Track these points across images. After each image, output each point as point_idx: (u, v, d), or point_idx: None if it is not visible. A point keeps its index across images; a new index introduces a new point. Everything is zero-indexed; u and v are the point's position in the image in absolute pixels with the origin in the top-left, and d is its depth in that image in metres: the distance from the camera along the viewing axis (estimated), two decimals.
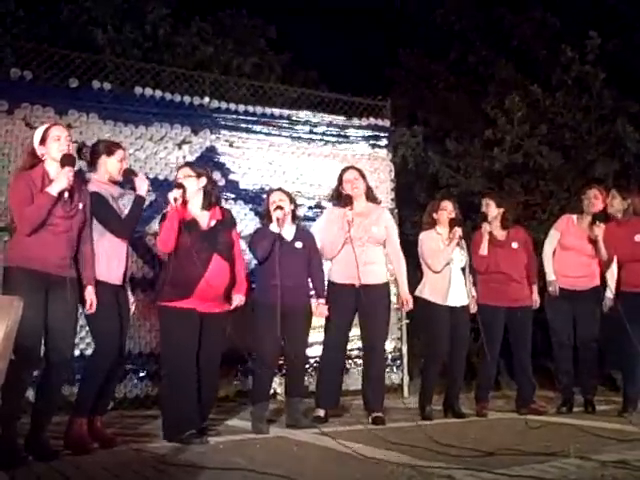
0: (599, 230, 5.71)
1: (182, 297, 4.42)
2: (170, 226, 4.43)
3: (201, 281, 4.43)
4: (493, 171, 9.21)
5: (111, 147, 4.47)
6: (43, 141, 3.98)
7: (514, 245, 5.87)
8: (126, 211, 4.39)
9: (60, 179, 3.88)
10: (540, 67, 9.77)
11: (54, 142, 3.97)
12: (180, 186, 4.50)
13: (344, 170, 5.57)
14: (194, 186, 4.59)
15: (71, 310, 3.98)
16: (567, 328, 5.87)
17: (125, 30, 8.75)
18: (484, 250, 5.73)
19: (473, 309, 5.64)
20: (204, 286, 4.44)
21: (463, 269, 5.65)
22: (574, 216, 6.04)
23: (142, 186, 4.42)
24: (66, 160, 3.93)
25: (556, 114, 9.16)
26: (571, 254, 5.92)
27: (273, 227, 4.95)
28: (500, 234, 5.86)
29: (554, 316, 5.92)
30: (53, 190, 3.85)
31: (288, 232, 5.07)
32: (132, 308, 4.51)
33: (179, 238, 4.46)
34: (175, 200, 4.40)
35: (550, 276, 5.94)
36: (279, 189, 5.35)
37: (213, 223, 4.63)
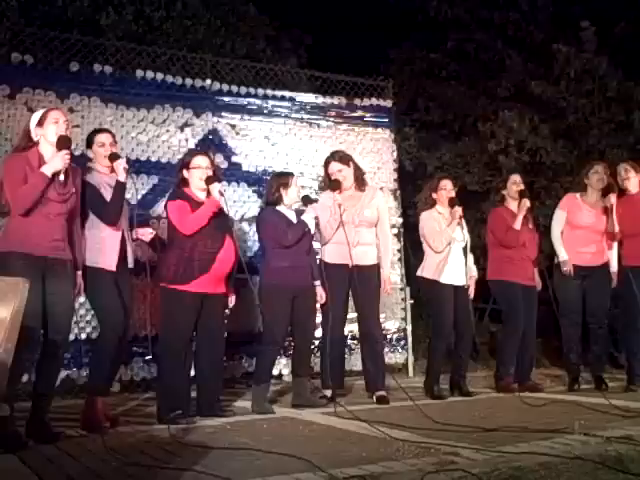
0: (613, 198, 5.76)
1: (195, 277, 4.45)
2: (206, 216, 4.52)
3: (216, 260, 4.52)
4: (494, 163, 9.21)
5: (92, 135, 4.52)
6: (40, 124, 3.97)
7: (530, 225, 5.94)
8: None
9: (55, 160, 3.87)
10: (540, 57, 9.71)
11: (52, 125, 3.96)
12: (218, 179, 4.64)
13: (327, 161, 5.51)
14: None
15: (68, 291, 4.03)
16: (578, 306, 5.85)
17: (124, 13, 8.68)
18: (518, 225, 5.75)
19: (472, 289, 5.66)
20: (217, 265, 4.52)
21: (464, 248, 5.67)
22: (577, 194, 6.01)
23: (120, 171, 4.31)
24: (62, 142, 3.92)
25: (557, 99, 9.14)
26: (582, 232, 5.89)
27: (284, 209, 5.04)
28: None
29: (565, 294, 5.88)
30: (47, 170, 3.83)
31: (291, 214, 5.10)
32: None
33: None
34: (221, 193, 4.55)
35: (563, 256, 5.86)
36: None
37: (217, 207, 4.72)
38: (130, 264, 4.45)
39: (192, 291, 4.46)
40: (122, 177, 4.30)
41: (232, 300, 4.83)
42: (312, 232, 5.12)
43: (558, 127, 9.21)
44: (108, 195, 4.30)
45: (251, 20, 10.04)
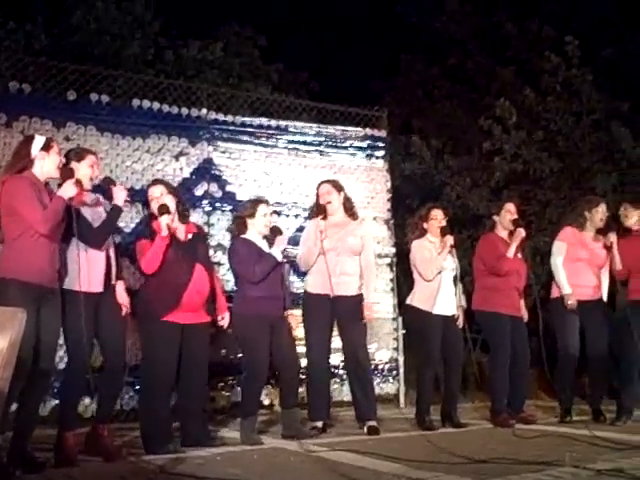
0: (613, 237, 5.83)
1: (169, 309, 4.49)
2: (160, 251, 4.50)
3: (187, 290, 4.54)
4: (492, 183, 9.28)
5: (81, 153, 4.44)
6: (45, 149, 3.99)
7: (519, 255, 5.91)
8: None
9: (69, 188, 3.93)
10: (532, 74, 9.89)
11: (57, 155, 4.05)
12: (166, 209, 4.52)
13: (319, 184, 5.61)
14: (171, 202, 4.68)
15: (58, 320, 4.02)
16: (576, 339, 5.81)
17: (127, 44, 8.85)
18: (511, 253, 5.73)
19: (461, 319, 5.64)
20: (189, 295, 4.55)
21: (454, 278, 5.68)
22: (574, 229, 5.99)
23: (120, 196, 4.35)
24: (67, 173, 4.02)
25: (549, 120, 9.29)
26: (581, 265, 5.89)
27: (258, 240, 5.04)
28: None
29: (563, 327, 5.84)
30: (65, 195, 3.90)
31: (265, 244, 5.10)
32: (124, 310, 4.47)
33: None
34: (168, 227, 4.49)
35: (567, 289, 5.81)
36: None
37: (190, 236, 4.77)
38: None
39: (170, 322, 4.50)
40: (120, 202, 4.33)
41: (225, 318, 4.89)
42: (284, 261, 5.15)
43: (551, 149, 9.32)
44: (87, 216, 4.26)
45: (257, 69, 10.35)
